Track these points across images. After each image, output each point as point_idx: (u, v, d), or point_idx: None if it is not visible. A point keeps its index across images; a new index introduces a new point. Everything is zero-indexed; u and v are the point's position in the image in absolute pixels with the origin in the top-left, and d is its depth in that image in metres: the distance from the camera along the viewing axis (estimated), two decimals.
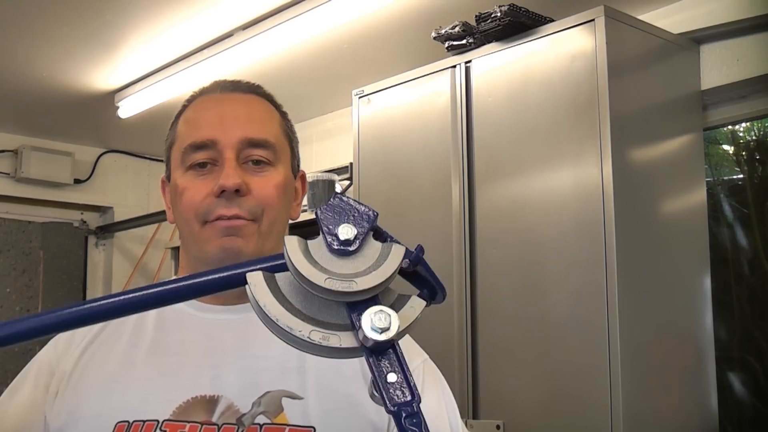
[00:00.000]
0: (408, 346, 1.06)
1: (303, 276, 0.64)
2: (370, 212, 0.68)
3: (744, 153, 2.80)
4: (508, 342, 2.31)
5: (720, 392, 2.41)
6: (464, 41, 2.52)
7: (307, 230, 3.06)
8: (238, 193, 1.02)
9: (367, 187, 2.81)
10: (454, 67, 2.55)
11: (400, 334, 0.64)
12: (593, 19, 2.21)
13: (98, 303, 0.68)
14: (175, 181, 1.08)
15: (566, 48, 2.28)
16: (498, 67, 2.45)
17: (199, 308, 1.06)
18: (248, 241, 1.03)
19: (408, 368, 0.62)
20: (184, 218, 1.06)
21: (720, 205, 2.71)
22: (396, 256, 0.66)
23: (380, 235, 0.69)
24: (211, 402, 0.98)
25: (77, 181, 4.56)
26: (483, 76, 2.49)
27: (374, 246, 0.67)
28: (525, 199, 2.33)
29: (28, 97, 3.70)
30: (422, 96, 2.66)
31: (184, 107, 1.14)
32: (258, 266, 0.68)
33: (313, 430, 0.96)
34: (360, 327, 0.62)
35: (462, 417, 1.08)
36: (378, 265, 0.66)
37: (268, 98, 1.14)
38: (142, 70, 3.35)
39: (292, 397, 0.98)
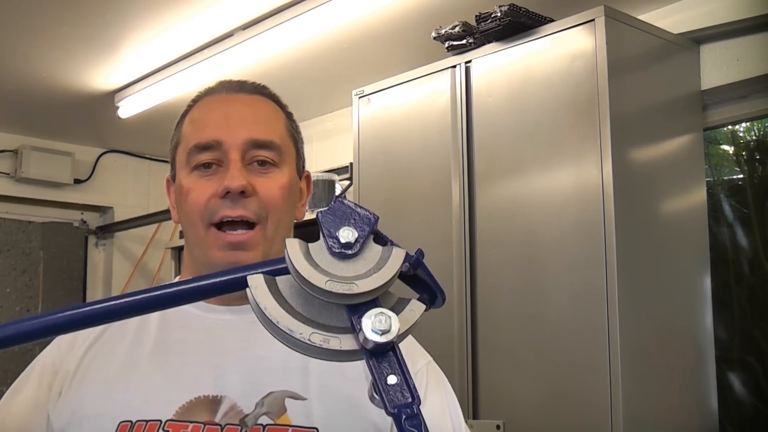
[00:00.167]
0: (411, 349, 1.06)
1: (304, 278, 0.64)
2: (371, 216, 0.68)
3: (744, 153, 2.80)
4: (508, 342, 2.31)
5: (720, 392, 2.41)
6: (464, 41, 2.52)
7: (307, 230, 3.06)
8: (243, 194, 1.02)
9: (367, 187, 2.81)
10: (454, 67, 2.55)
11: (400, 337, 0.64)
12: (593, 19, 2.21)
13: (100, 305, 0.68)
14: (180, 181, 1.08)
15: (566, 48, 2.28)
16: (498, 67, 2.45)
17: (202, 308, 1.06)
18: (255, 253, 1.02)
19: (408, 370, 0.63)
20: (189, 219, 1.06)
21: (720, 205, 2.72)
22: (396, 259, 0.66)
23: (380, 239, 0.69)
24: (214, 402, 0.98)
25: (77, 181, 4.56)
26: (483, 76, 2.49)
27: (375, 249, 0.68)
28: (525, 199, 2.33)
29: (28, 97, 3.70)
30: (422, 96, 2.66)
31: (190, 107, 1.13)
32: (259, 270, 0.68)
33: (315, 430, 0.96)
34: (360, 329, 0.63)
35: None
36: (378, 268, 0.66)
37: (274, 99, 1.14)
38: (142, 70, 3.35)
39: (295, 397, 0.98)
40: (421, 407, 0.61)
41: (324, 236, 0.66)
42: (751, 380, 2.59)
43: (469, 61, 2.52)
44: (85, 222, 4.78)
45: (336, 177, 3.24)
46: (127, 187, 4.76)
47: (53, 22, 2.86)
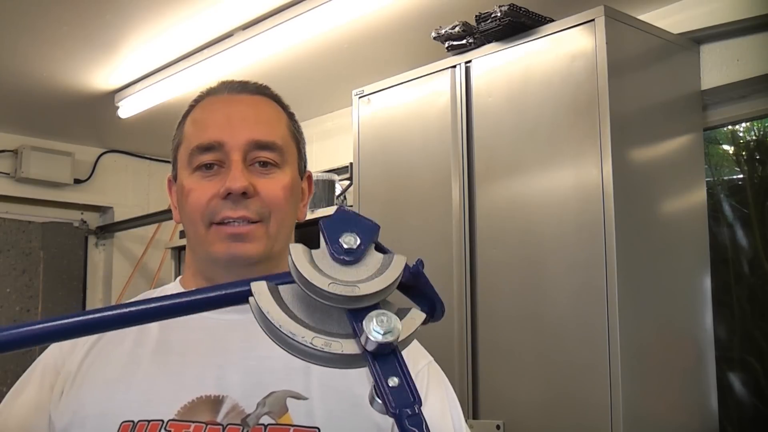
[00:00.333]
0: (412, 349, 1.05)
1: (307, 279, 0.64)
2: (373, 224, 0.69)
3: (744, 153, 2.81)
4: (508, 342, 2.31)
5: (720, 392, 2.41)
6: (464, 41, 2.52)
7: (308, 230, 3.06)
8: (244, 195, 1.02)
9: (367, 187, 2.81)
10: (454, 67, 2.56)
11: (402, 343, 0.65)
12: (593, 19, 2.21)
13: (103, 313, 0.69)
14: (181, 181, 1.08)
15: (566, 48, 2.28)
16: (498, 67, 2.45)
17: None
18: (257, 246, 1.03)
19: (409, 372, 0.63)
20: (190, 219, 1.06)
21: (720, 205, 2.72)
22: (398, 264, 0.67)
23: (381, 249, 0.70)
24: (215, 402, 0.98)
25: (77, 181, 4.56)
26: (483, 76, 2.49)
27: (376, 256, 0.69)
28: (525, 199, 2.33)
29: (28, 97, 3.70)
30: (422, 96, 2.67)
31: (192, 107, 1.13)
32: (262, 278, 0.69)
33: (317, 430, 0.96)
34: (362, 330, 0.63)
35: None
36: (380, 273, 0.67)
37: (276, 99, 1.14)
38: (142, 70, 3.35)
39: (297, 397, 0.98)
40: (422, 408, 0.62)
41: (326, 242, 0.67)
42: (751, 380, 2.59)
43: (469, 61, 2.52)
44: (85, 222, 4.78)
45: (336, 177, 3.24)
46: (127, 187, 4.77)
47: (53, 22, 2.86)
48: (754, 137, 2.80)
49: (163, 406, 0.98)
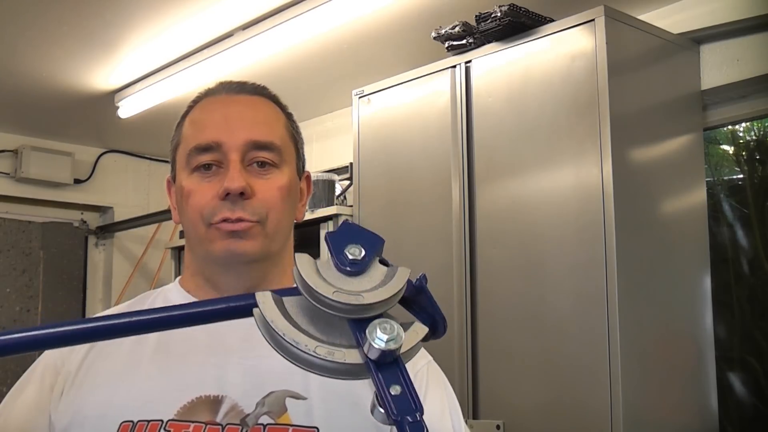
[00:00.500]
0: None
1: (311, 287, 0.65)
2: (378, 238, 0.70)
3: (744, 153, 2.81)
4: (508, 341, 2.31)
5: (720, 392, 2.41)
6: (464, 41, 2.52)
7: (307, 230, 3.06)
8: (242, 196, 1.02)
9: (367, 187, 2.81)
10: (454, 67, 2.56)
11: (404, 355, 0.65)
12: (593, 19, 2.21)
13: (105, 322, 0.70)
14: (180, 182, 1.08)
15: (566, 48, 2.28)
16: (498, 67, 2.45)
17: None
18: (254, 243, 1.03)
19: (411, 382, 0.64)
20: (190, 220, 1.06)
21: (720, 205, 2.72)
22: (402, 276, 0.68)
23: (385, 264, 0.71)
24: (215, 402, 0.98)
25: (77, 181, 4.56)
26: (483, 76, 2.49)
27: (380, 269, 0.69)
28: (525, 199, 2.33)
29: (28, 97, 3.70)
30: (422, 96, 2.67)
31: (190, 108, 1.14)
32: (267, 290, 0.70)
33: (316, 430, 0.96)
34: (365, 338, 0.64)
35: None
36: (384, 284, 0.67)
37: (274, 100, 1.14)
38: (142, 70, 3.35)
39: (296, 397, 0.98)
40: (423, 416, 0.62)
41: (331, 253, 0.68)
42: (751, 380, 2.59)
43: (469, 61, 2.52)
44: (85, 222, 4.78)
45: (336, 177, 3.24)
46: (127, 187, 4.77)
47: (53, 22, 2.86)
48: (754, 137, 2.80)
49: (162, 406, 0.98)
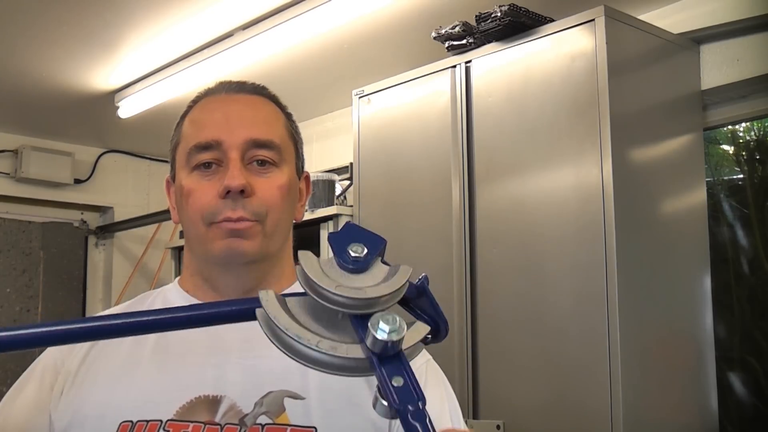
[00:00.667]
0: None
1: (314, 282, 0.66)
2: (380, 238, 0.71)
3: (744, 153, 2.81)
4: (508, 341, 2.31)
5: (720, 392, 2.41)
6: (464, 41, 2.52)
7: (306, 230, 3.06)
8: (243, 194, 1.02)
9: (367, 187, 2.81)
10: (454, 67, 2.56)
11: (406, 353, 0.66)
12: (593, 19, 2.21)
13: (109, 322, 0.70)
14: (180, 181, 1.08)
15: (566, 48, 2.28)
16: (498, 67, 2.45)
17: None
18: (253, 242, 1.04)
19: (413, 374, 0.65)
20: (190, 219, 1.06)
21: (720, 205, 2.72)
22: (404, 272, 0.69)
23: (387, 264, 0.72)
24: (214, 402, 0.98)
25: (77, 181, 4.56)
26: (483, 76, 2.49)
27: (382, 267, 0.70)
28: (525, 199, 2.33)
29: (28, 97, 3.71)
30: (422, 96, 2.67)
31: (190, 108, 1.14)
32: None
33: (314, 430, 0.96)
34: (368, 331, 0.64)
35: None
36: (386, 280, 0.68)
37: (273, 99, 1.15)
38: (142, 70, 3.35)
39: (294, 397, 0.98)
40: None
41: (334, 252, 0.69)
42: (751, 380, 2.59)
43: (469, 61, 2.52)
44: (85, 222, 4.78)
45: (336, 177, 3.24)
46: (127, 187, 4.77)
47: (53, 22, 2.86)
48: (754, 137, 2.80)
49: (161, 406, 0.98)
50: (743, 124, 2.75)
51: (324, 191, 3.12)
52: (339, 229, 0.71)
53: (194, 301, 1.10)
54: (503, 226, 2.37)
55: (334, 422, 0.97)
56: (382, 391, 0.64)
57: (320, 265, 0.68)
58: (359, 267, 0.68)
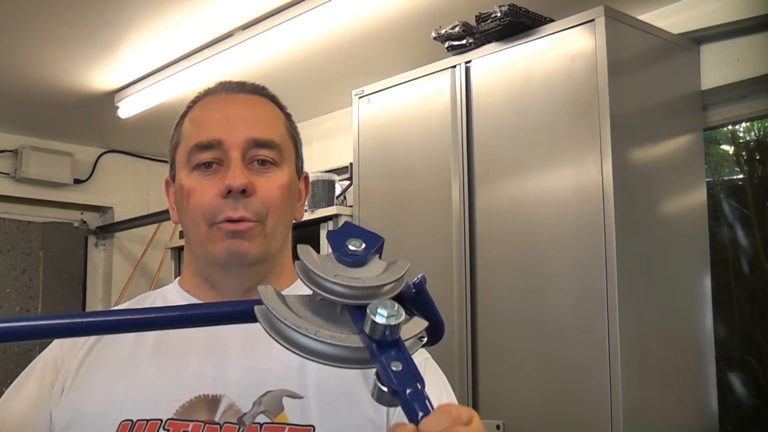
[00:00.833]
0: None
1: (314, 272, 0.66)
2: (377, 236, 0.73)
3: (744, 153, 2.80)
4: (508, 341, 2.31)
5: (720, 392, 2.41)
6: (464, 41, 2.52)
7: (306, 230, 3.06)
8: (244, 193, 1.03)
9: (367, 187, 2.81)
10: (454, 67, 2.56)
11: (408, 346, 0.67)
12: (593, 19, 2.21)
13: (109, 317, 0.71)
14: (180, 181, 1.08)
15: (566, 48, 2.28)
16: (498, 67, 2.45)
17: None
18: (254, 244, 1.04)
19: (412, 359, 0.65)
20: (191, 219, 1.06)
21: (720, 205, 2.72)
22: (402, 265, 0.70)
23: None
24: (213, 401, 0.99)
25: (77, 181, 4.56)
26: (483, 76, 2.49)
27: (380, 263, 0.71)
28: (525, 199, 2.33)
29: (28, 97, 3.70)
30: (422, 96, 2.67)
31: (189, 108, 1.14)
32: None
33: (312, 428, 0.96)
34: (366, 317, 0.65)
35: None
36: (384, 272, 0.69)
37: (273, 99, 1.15)
38: (142, 70, 3.35)
39: (292, 396, 0.98)
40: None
41: (332, 247, 0.70)
42: (751, 380, 2.59)
43: (469, 61, 2.52)
44: (85, 222, 4.78)
45: (336, 177, 3.24)
46: (127, 187, 4.77)
47: (53, 22, 2.86)
48: (754, 137, 2.80)
49: (161, 405, 0.98)
50: (743, 124, 2.75)
51: (324, 191, 3.12)
52: (337, 227, 0.72)
53: (194, 301, 1.10)
54: (503, 226, 2.37)
55: (332, 421, 0.97)
56: (382, 376, 0.64)
57: (319, 258, 0.69)
58: (357, 260, 0.69)
